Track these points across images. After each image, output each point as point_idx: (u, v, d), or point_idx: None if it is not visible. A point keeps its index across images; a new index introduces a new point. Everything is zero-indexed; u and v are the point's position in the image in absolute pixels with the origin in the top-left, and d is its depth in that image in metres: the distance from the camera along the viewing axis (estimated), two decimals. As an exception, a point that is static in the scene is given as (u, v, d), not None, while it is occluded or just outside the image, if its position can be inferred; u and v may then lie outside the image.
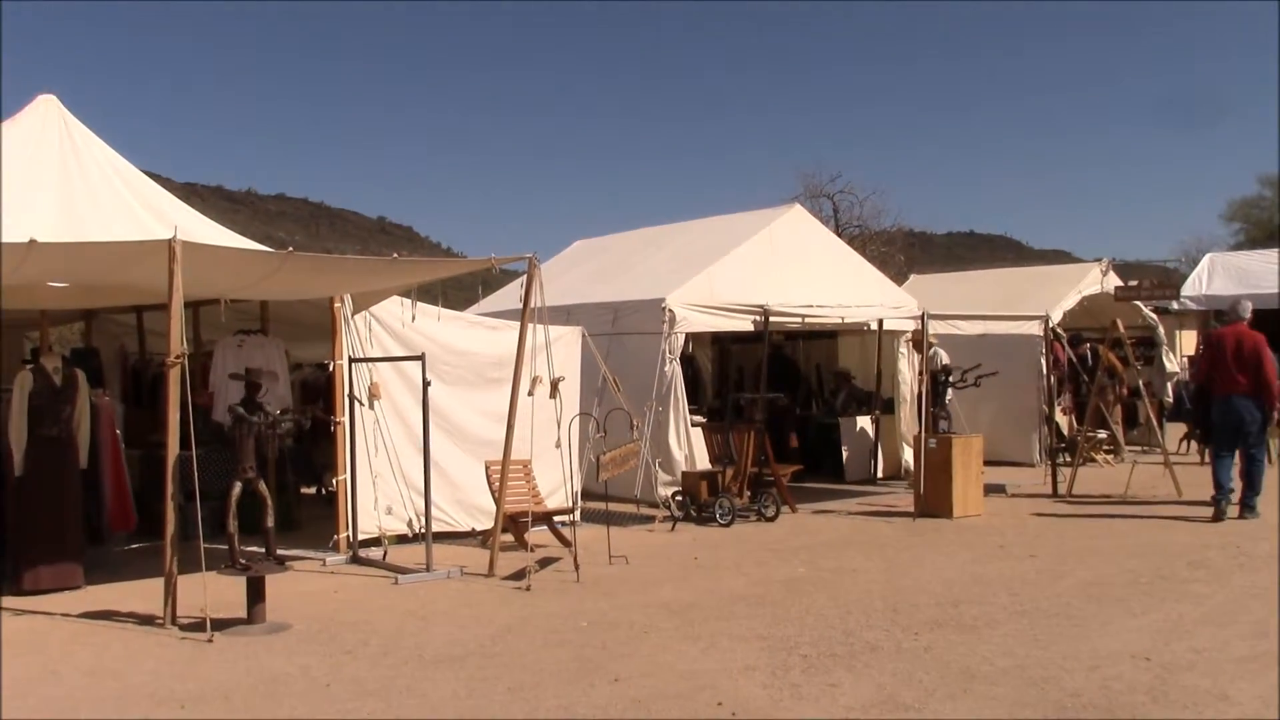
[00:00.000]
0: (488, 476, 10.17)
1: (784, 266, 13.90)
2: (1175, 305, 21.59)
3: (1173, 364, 18.60)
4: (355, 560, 9.93)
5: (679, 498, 12.01)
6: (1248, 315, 12.02)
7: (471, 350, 11.01)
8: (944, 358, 13.79)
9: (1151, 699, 5.65)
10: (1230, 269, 26.27)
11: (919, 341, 14.27)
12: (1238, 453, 11.75)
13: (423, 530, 9.79)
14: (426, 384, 9.51)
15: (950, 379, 13.23)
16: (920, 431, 12.43)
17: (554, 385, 9.70)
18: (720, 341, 17.07)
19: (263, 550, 8.21)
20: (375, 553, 10.04)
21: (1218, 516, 11.44)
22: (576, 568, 9.07)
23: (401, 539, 10.48)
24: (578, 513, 10.71)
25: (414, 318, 10.37)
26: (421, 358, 9.61)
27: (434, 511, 9.85)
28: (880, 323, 14.34)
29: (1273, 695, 5.66)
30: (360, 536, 10.16)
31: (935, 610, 7.70)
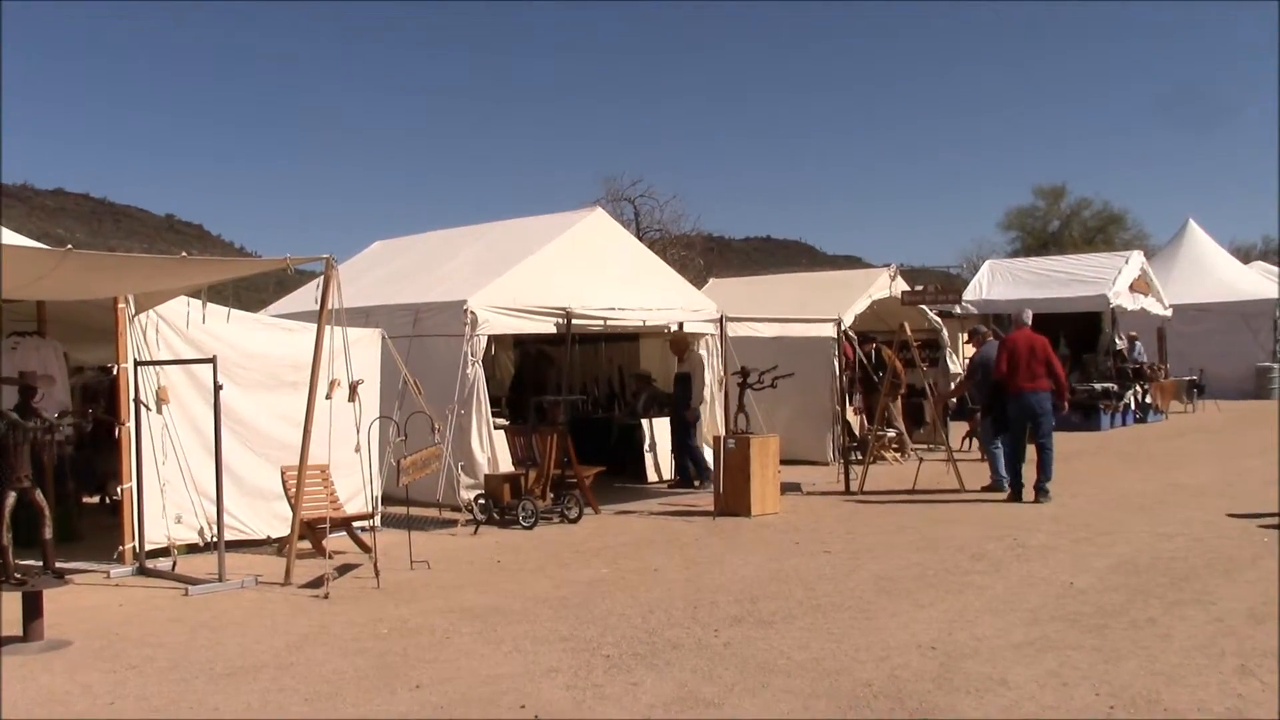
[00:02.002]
0: (284, 482, 9.90)
1: (586, 269, 13.97)
2: (958, 309, 22.70)
3: (956, 365, 19.47)
4: (142, 572, 9.51)
5: (481, 501, 11.94)
6: (1029, 320, 13.50)
7: (266, 352, 10.70)
8: (700, 361, 14.35)
9: (937, 686, 5.90)
10: (1008, 275, 27.84)
11: (678, 343, 14.59)
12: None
13: (215, 539, 9.46)
14: (218, 387, 9.18)
15: (748, 380, 13.52)
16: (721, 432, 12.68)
17: (353, 388, 9.51)
18: (523, 344, 17.05)
19: (40, 564, 7.79)
20: (164, 563, 9.65)
21: (1015, 499, 12.77)
22: (376, 574, 8.91)
23: (192, 548, 10.11)
24: (378, 518, 10.53)
25: (204, 319, 10.01)
26: (213, 360, 9.28)
27: (227, 519, 9.52)
28: (680, 325, 14.57)
29: (1047, 679, 5.98)
30: (147, 547, 9.73)
31: (734, 607, 7.86)
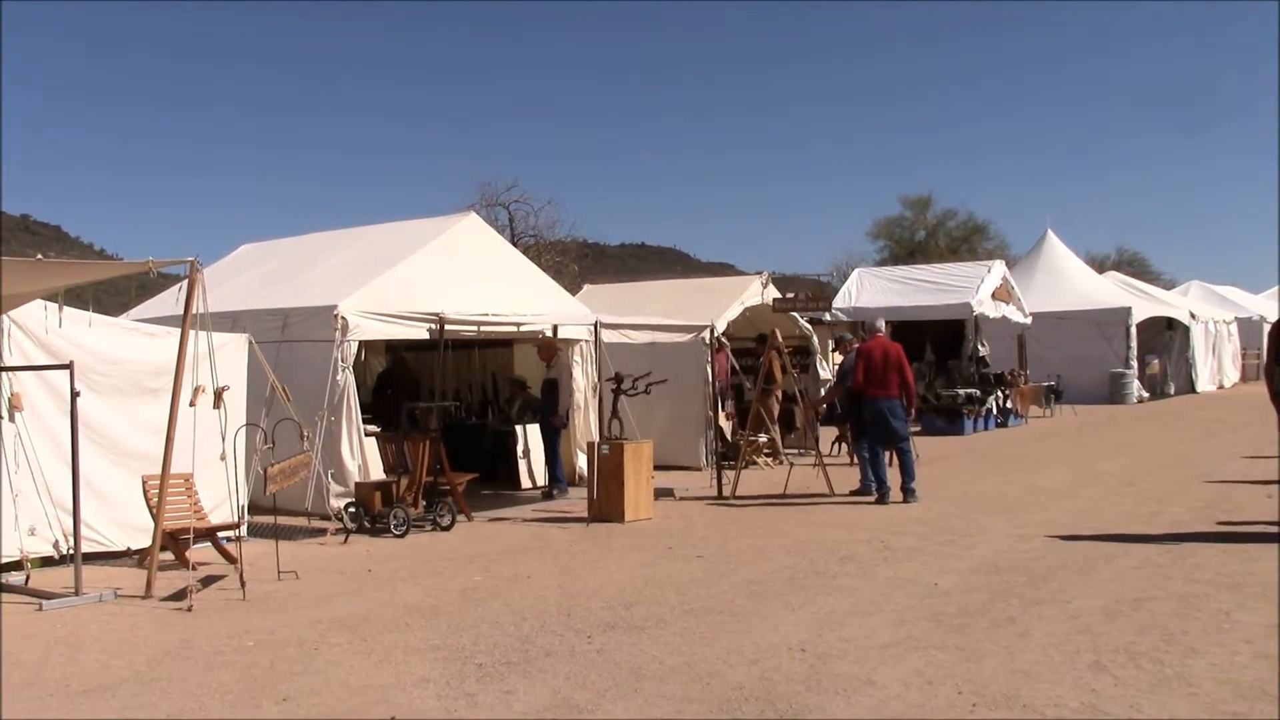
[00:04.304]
0: (145, 492, 9.62)
1: (460, 274, 13.87)
2: (828, 316, 23.12)
3: (826, 372, 19.82)
4: (-8, 586, 9.14)
5: (352, 509, 11.76)
6: (882, 329, 14.12)
7: (127, 358, 10.38)
8: (567, 366, 14.58)
9: (806, 688, 6.00)
10: (876, 283, 28.47)
11: (545, 348, 14.63)
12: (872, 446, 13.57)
13: (71, 551, 9.14)
14: (75, 394, 8.87)
15: (621, 386, 13.57)
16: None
17: (218, 395, 9.28)
18: (394, 350, 16.85)
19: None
20: (16, 578, 9.28)
21: (881, 501, 13.12)
22: (242, 585, 8.71)
23: (48, 561, 9.75)
24: (244, 528, 10.31)
25: (60, 323, 9.68)
26: (70, 366, 8.96)
27: (85, 531, 9.21)
28: (555, 330, 14.56)
29: (913, 678, 6.13)
30: (-1, 560, 9.37)
31: (608, 613, 7.88)
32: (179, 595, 8.55)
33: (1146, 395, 31.94)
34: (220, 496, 10.31)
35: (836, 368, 16.19)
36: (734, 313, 17.90)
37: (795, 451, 17.75)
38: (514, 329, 14.00)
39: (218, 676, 6.47)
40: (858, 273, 29.89)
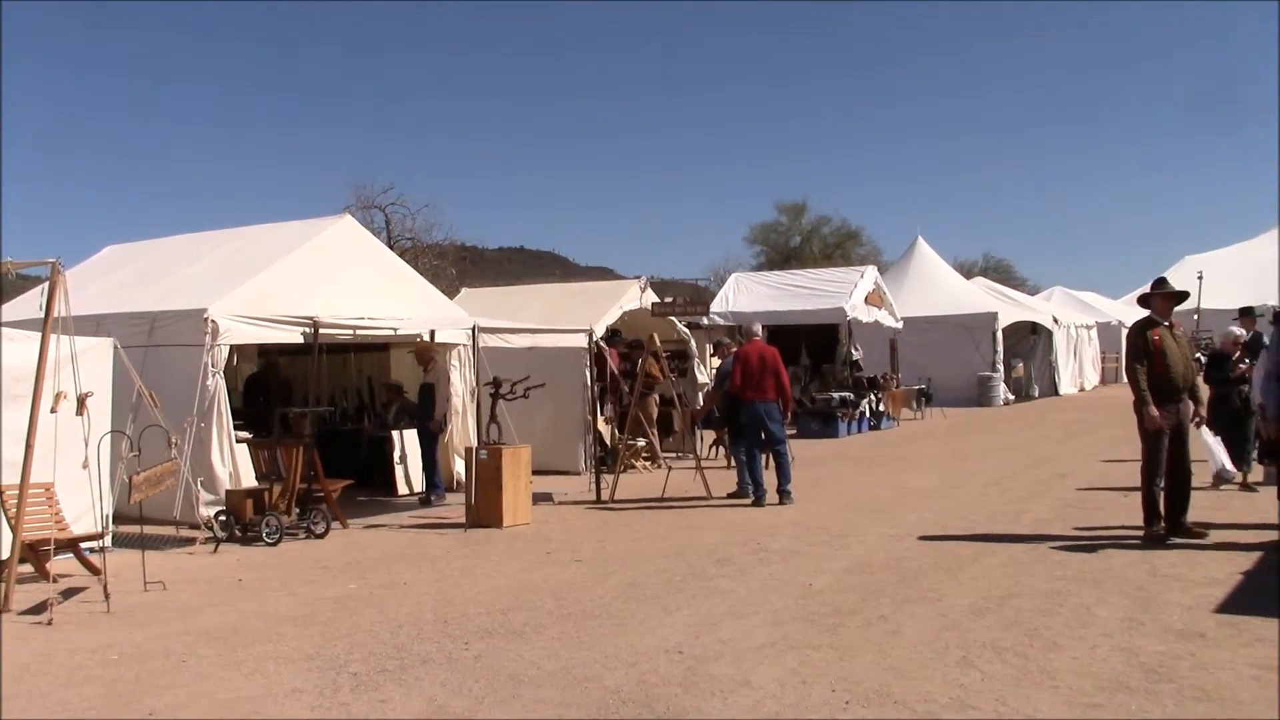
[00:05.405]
0: (3, 502, 9.27)
1: (335, 277, 13.67)
2: (705, 321, 23.32)
3: (704, 375, 20.00)
4: None
5: (222, 517, 11.49)
6: (759, 333, 14.23)
7: (-17, 363, 9.99)
8: (444, 371, 14.54)
9: (684, 689, 6.05)
10: (753, 288, 28.82)
11: (422, 353, 14.54)
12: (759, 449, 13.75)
13: (-78, 565, 8.76)
14: (-73, 401, 8.52)
15: (499, 390, 13.51)
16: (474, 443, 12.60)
17: (81, 401, 8.98)
18: (267, 354, 16.52)
19: None
20: None
21: (758, 503, 13.24)
22: (106, 597, 8.45)
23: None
24: (109, 538, 10.01)
25: (-88, 327, 9.29)
26: (-79, 372, 8.60)
27: (-64, 543, 8.84)
28: (432, 335, 14.44)
29: (788, 678, 6.22)
30: None
31: (485, 619, 7.84)
32: (39, 608, 8.27)
33: (1012, 398, 32.87)
34: (83, 506, 9.97)
35: (715, 371, 16.37)
36: (613, 317, 17.96)
37: (673, 455, 17.86)
38: (390, 333, 13.84)
39: (80, 691, 6.27)
40: (734, 278, 30.20)
